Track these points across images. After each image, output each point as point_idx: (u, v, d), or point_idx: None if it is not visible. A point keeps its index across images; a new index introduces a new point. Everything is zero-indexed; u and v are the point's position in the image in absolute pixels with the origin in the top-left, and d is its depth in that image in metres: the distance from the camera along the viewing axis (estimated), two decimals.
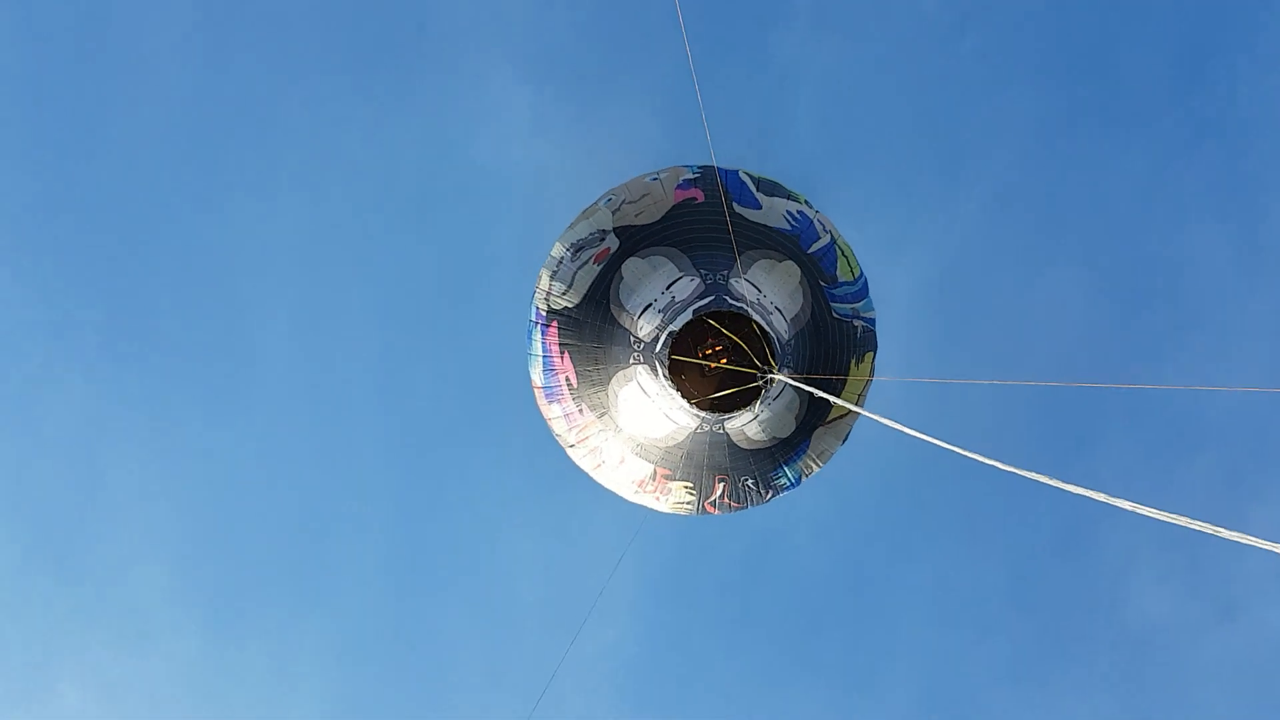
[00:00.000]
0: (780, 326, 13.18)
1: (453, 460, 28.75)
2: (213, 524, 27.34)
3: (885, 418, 10.57)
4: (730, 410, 13.21)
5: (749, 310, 12.75)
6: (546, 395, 14.43)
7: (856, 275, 14.29)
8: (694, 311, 12.77)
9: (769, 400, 13.26)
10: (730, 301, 12.85)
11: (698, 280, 13.16)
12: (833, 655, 29.07)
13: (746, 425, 13.61)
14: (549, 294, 14.03)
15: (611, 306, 13.51)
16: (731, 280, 13.19)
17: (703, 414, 12.99)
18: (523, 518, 29.51)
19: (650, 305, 13.19)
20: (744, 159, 13.99)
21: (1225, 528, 7.17)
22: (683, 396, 12.79)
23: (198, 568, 27.55)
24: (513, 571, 29.45)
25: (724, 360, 13.54)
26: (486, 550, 29.34)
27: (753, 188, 13.94)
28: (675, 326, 12.76)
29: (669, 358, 12.76)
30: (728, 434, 13.68)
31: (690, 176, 13.91)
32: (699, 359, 13.60)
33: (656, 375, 12.90)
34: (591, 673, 29.13)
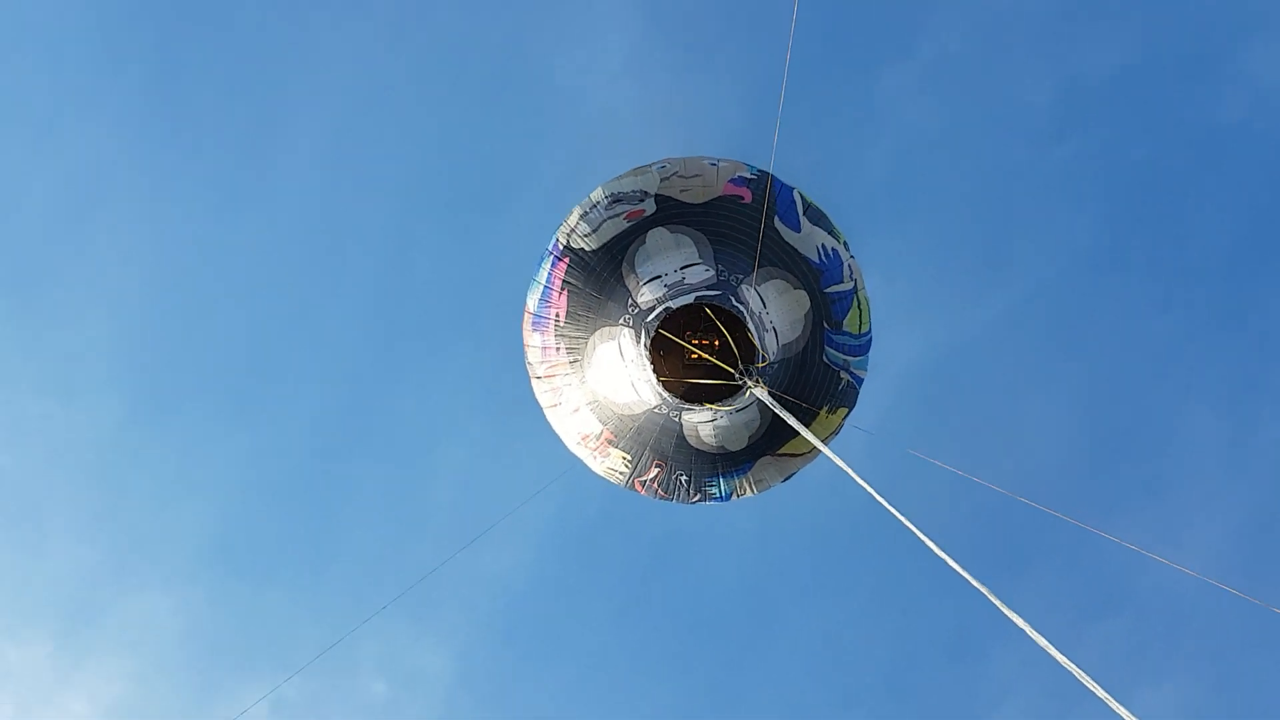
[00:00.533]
0: (771, 346, 13.30)
1: (429, 347, 28.99)
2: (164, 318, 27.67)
3: (843, 463, 10.80)
4: (693, 402, 13.35)
5: (748, 318, 12.88)
6: (533, 323, 14.58)
7: (862, 331, 14.38)
8: (697, 297, 12.89)
9: (733, 409, 13.41)
10: (734, 303, 12.97)
11: (712, 272, 13.27)
12: (699, 668, 29.43)
13: (702, 425, 13.77)
14: (573, 231, 14.13)
15: (624, 265, 13.63)
16: (743, 286, 13.30)
17: (666, 395, 13.13)
18: (467, 423, 29.81)
19: (659, 277, 13.31)
20: (803, 177, 14.05)
21: (1114, 697, 7.36)
22: (654, 372, 12.93)
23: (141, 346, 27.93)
24: (438, 467, 29.80)
25: (707, 352, 13.67)
26: (423, 438, 29.65)
27: (800, 209, 14.00)
28: (674, 304, 12.89)
29: (656, 330, 12.89)
30: (682, 425, 13.85)
31: (746, 175, 13.96)
32: (685, 343, 13.71)
33: (638, 343, 13.04)
34: (468, 590, 29.51)
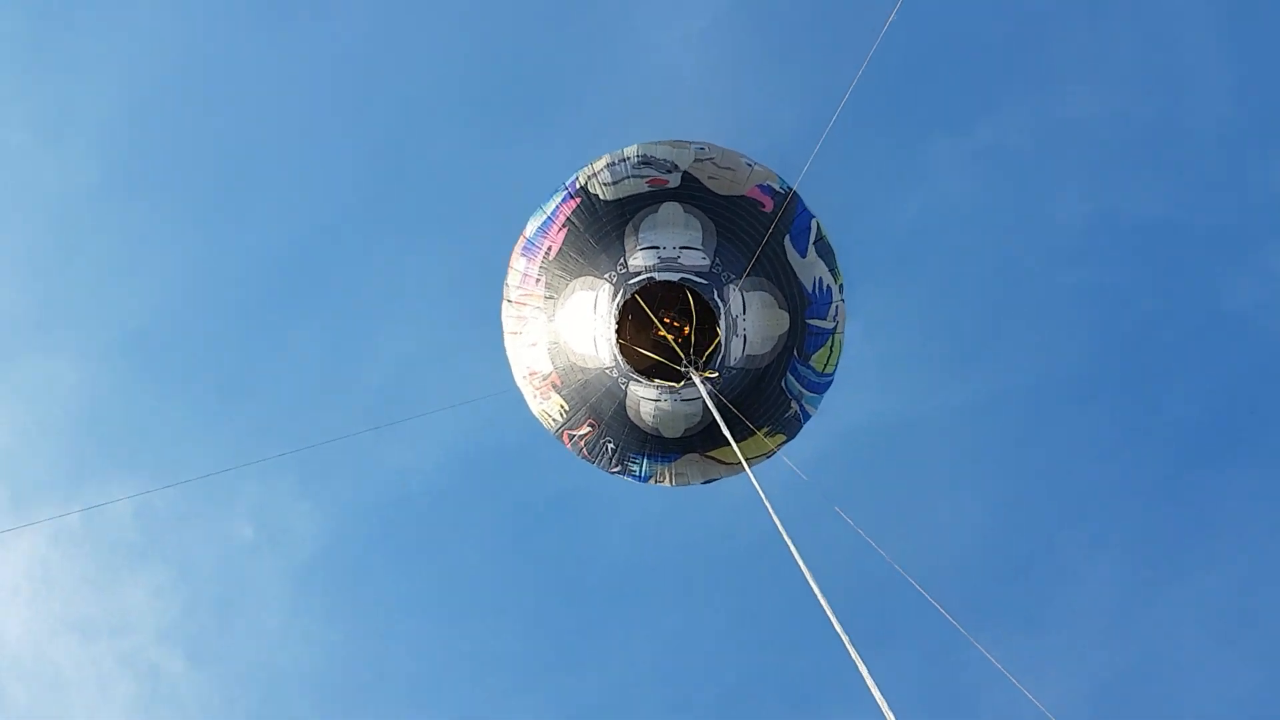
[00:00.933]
0: (735, 350, 13.45)
1: (416, 234, 28.89)
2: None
3: (756, 482, 10.98)
4: (642, 375, 13.49)
5: (721, 315, 13.01)
6: (525, 247, 14.60)
7: (826, 371, 14.57)
8: (683, 278, 13.00)
9: (677, 395, 13.55)
10: (715, 297, 13.09)
11: (708, 262, 13.37)
12: (548, 624, 29.72)
13: (645, 401, 13.89)
14: (594, 175, 14.14)
15: (629, 224, 13.69)
16: (731, 285, 13.41)
17: (619, 359, 13.25)
18: (425, 317, 29.78)
19: (656, 248, 13.39)
20: (825, 207, 14.18)
21: None
22: (616, 333, 13.04)
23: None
24: (381, 349, 29.78)
25: (672, 334, 13.79)
26: (377, 316, 29.57)
27: (811, 237, 14.13)
28: (659, 276, 12.99)
29: (633, 295, 12.99)
30: (626, 395, 13.96)
31: (775, 187, 14.06)
32: (655, 317, 13.81)
33: (612, 300, 13.13)
34: (364, 472, 29.61)
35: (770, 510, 10.58)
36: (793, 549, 9.81)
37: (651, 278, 13.05)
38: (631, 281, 13.13)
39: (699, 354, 13.40)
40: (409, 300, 29.73)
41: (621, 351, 13.31)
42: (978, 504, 28.84)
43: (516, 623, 29.61)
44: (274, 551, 29.60)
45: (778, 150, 14.01)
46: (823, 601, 9.07)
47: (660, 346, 13.91)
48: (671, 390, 13.55)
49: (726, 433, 11.97)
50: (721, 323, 13.09)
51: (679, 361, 13.19)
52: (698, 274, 13.19)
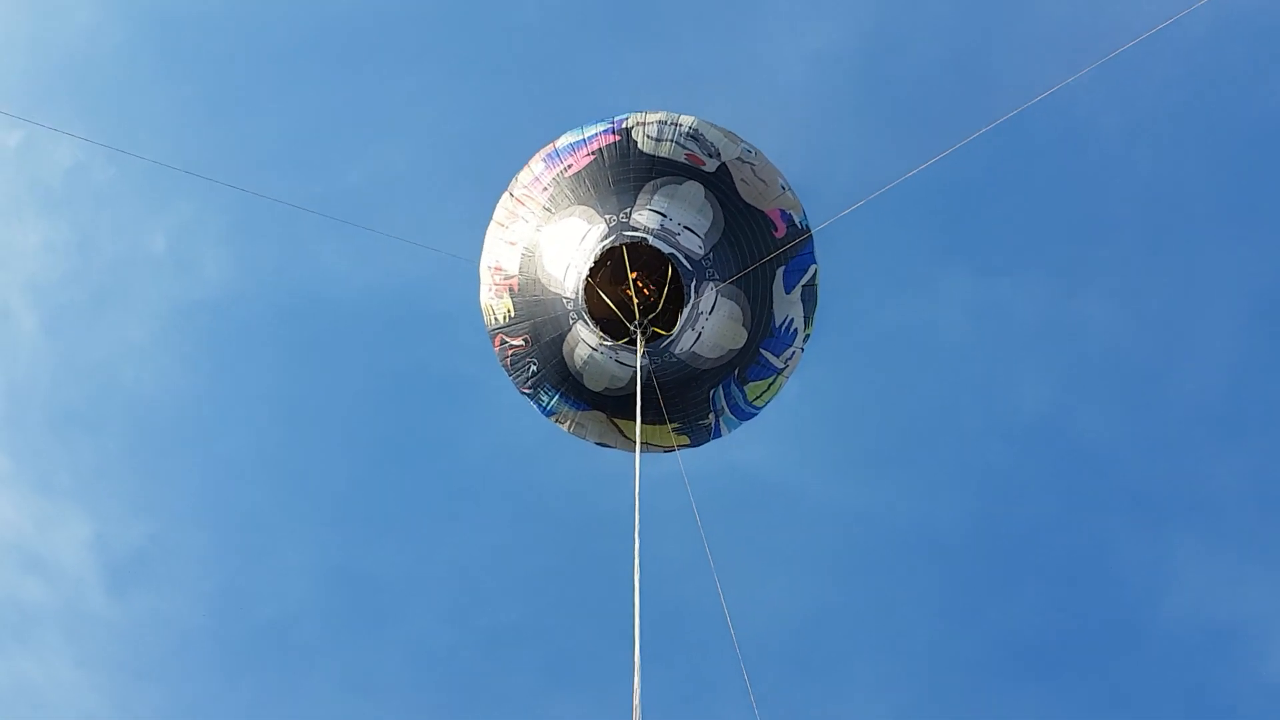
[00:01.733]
0: (686, 342, 13.74)
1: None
2: None
3: (639, 470, 11.25)
4: (593, 319, 13.66)
5: (688, 305, 13.29)
6: (548, 155, 14.65)
7: (754, 402, 14.90)
8: (670, 254, 13.25)
9: (615, 354, 13.77)
10: (692, 285, 13.38)
11: (702, 252, 13.59)
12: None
13: (582, 345, 14.09)
14: (643, 125, 14.23)
15: (650, 183, 13.82)
16: (710, 283, 13.66)
17: (581, 295, 13.39)
18: (414, 189, 29.78)
19: (663, 215, 13.55)
20: (830, 270, 14.62)
21: None
22: (590, 271, 13.26)
23: None
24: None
25: (639, 297, 14.02)
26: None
27: (803, 280, 14.42)
28: (652, 241, 13.26)
29: (620, 246, 13.20)
30: (569, 331, 14.14)
31: (795, 219, 14.30)
32: (631, 274, 13.99)
33: (600, 241, 13.34)
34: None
35: (637, 503, 10.86)
36: (636, 546, 10.07)
37: (645, 239, 13.22)
38: (626, 233, 13.30)
39: (653, 325, 13.64)
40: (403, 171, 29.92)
41: (585, 290, 13.46)
42: (817, 593, 29.68)
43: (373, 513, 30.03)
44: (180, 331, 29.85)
45: (809, 189, 14.32)
46: (636, 597, 8.96)
47: (622, 303, 14.11)
48: (611, 348, 13.75)
49: (638, 410, 12.27)
50: (685, 311, 13.32)
51: (630, 319, 13.39)
52: (687, 257, 13.40)
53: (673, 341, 13.63)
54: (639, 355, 12.82)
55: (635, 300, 13.74)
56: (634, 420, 14.80)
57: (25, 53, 28.58)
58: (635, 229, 13.44)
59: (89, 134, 25.12)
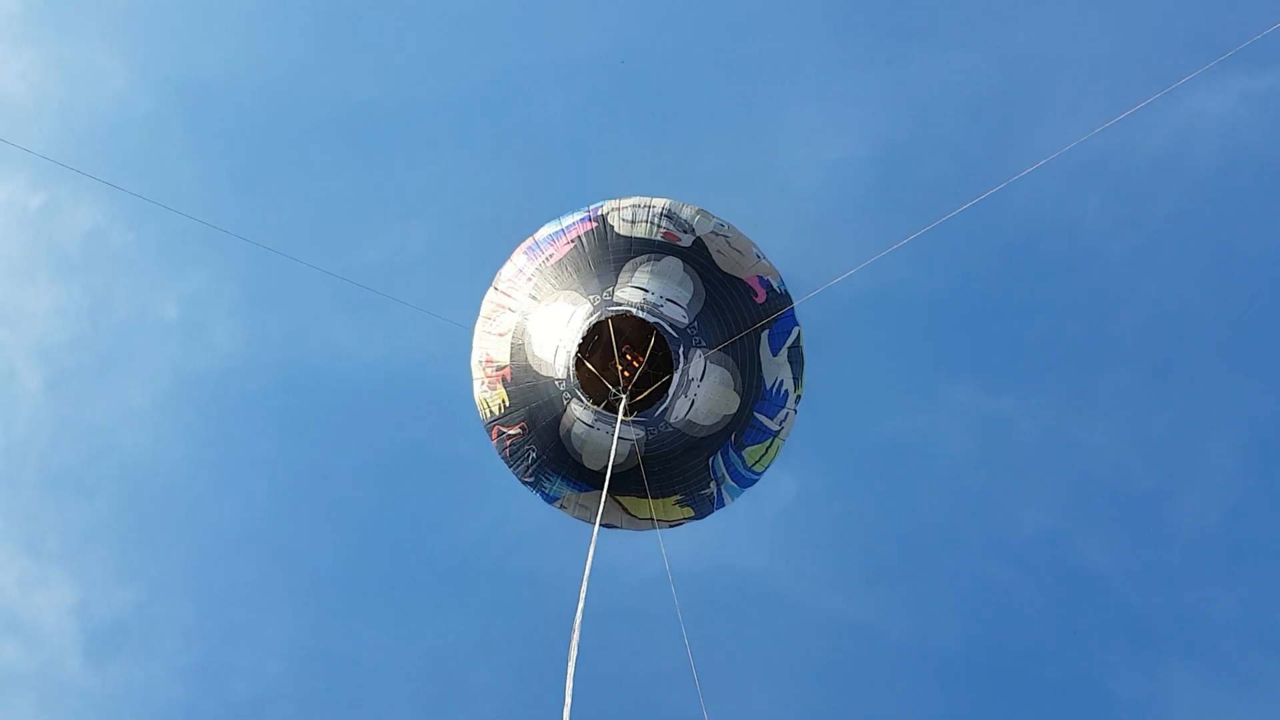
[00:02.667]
0: (680, 410, 13.96)
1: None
2: None
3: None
4: (587, 395, 13.89)
5: (677, 371, 13.56)
6: (529, 248, 15.16)
7: (754, 467, 15.01)
8: (656, 322, 13.60)
9: (610, 430, 13.96)
10: (680, 352, 13.65)
11: (686, 321, 13.95)
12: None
13: (579, 424, 14.28)
14: (617, 209, 14.84)
15: (629, 262, 14.29)
16: (697, 350, 13.97)
17: (572, 371, 13.65)
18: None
19: (645, 291, 13.99)
20: (833, 378, 15.09)
21: None
22: (579, 348, 13.57)
23: None
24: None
25: (626, 369, 14.28)
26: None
27: (788, 343, 14.76)
28: (636, 313, 13.59)
29: (606, 319, 13.54)
30: (564, 412, 14.34)
31: (774, 285, 14.75)
32: (617, 348, 14.29)
33: (586, 319, 13.67)
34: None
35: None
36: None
37: (630, 312, 13.58)
38: (611, 308, 13.67)
39: (640, 393, 13.89)
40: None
41: (576, 367, 13.75)
42: (808, 703, 29.27)
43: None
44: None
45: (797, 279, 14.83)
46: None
47: (612, 378, 14.38)
48: (608, 421, 13.93)
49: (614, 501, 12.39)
50: (676, 376, 13.58)
51: (616, 385, 13.65)
52: (672, 326, 13.76)
53: (667, 410, 13.84)
54: (618, 419, 13.03)
55: (621, 368, 14.02)
56: (635, 498, 14.91)
57: (56, 118, 29.40)
58: (620, 304, 13.82)
59: (111, 199, 25.79)
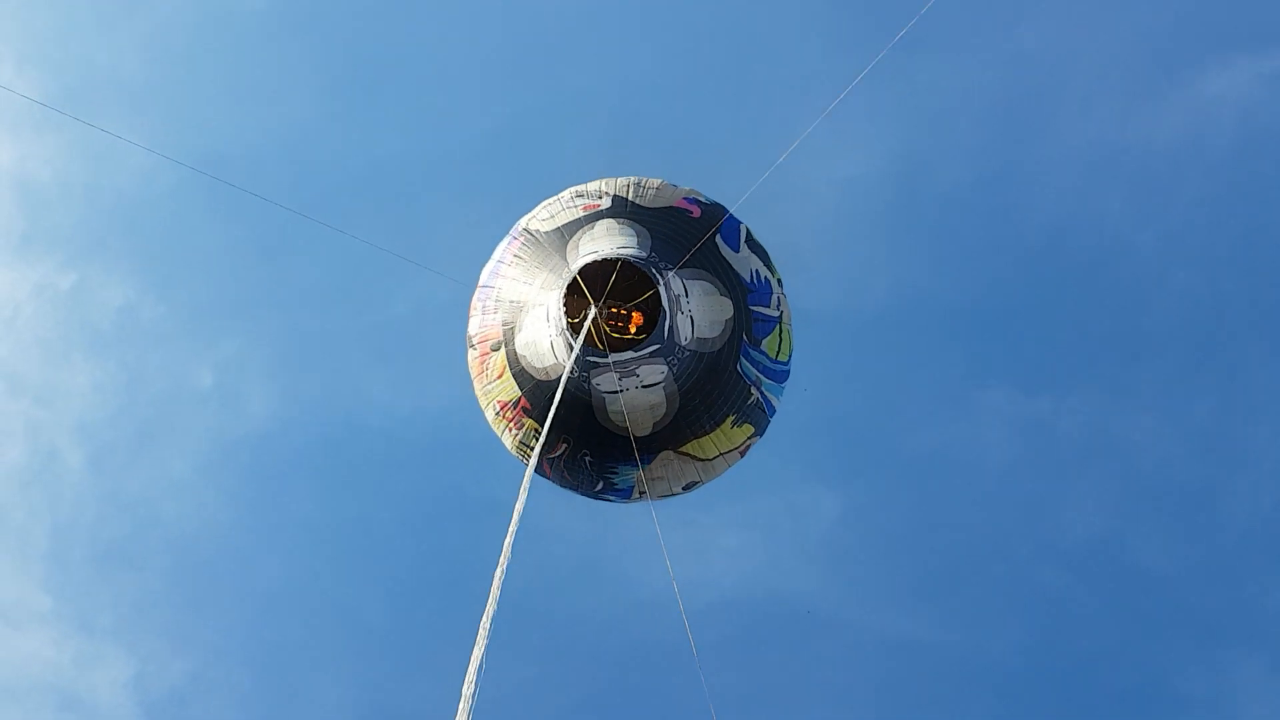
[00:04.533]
0: (685, 331, 14.18)
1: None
2: None
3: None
4: (596, 353, 14.04)
5: (662, 287, 13.82)
6: (480, 295, 15.63)
7: (779, 357, 15.26)
8: (618, 256, 13.94)
9: (638, 379, 14.11)
10: (653, 272, 13.97)
11: (645, 254, 14.35)
12: None
13: (609, 398, 14.44)
14: (533, 217, 15.42)
15: (569, 243, 14.78)
16: (668, 272, 14.34)
17: (570, 343, 13.83)
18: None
19: (595, 253, 14.42)
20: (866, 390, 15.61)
21: None
22: (565, 311, 13.80)
23: None
24: None
25: (612, 308, 14.57)
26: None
27: (742, 237, 15.24)
28: (598, 257, 13.92)
29: (574, 276, 13.86)
30: (591, 396, 14.48)
31: (701, 200, 15.32)
32: (592, 296, 14.57)
33: (559, 294, 13.97)
34: None
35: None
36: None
37: (590, 260, 13.97)
38: (573, 266, 14.06)
39: (641, 330, 14.24)
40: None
41: (573, 331, 13.90)
42: None
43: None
44: None
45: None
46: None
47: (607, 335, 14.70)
48: (631, 372, 14.04)
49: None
50: (663, 293, 13.89)
51: (591, 304, 13.94)
52: (635, 258, 14.16)
53: (673, 329, 14.05)
54: (591, 313, 13.48)
55: (609, 309, 14.39)
56: (698, 439, 15.02)
57: (80, 200, 29.99)
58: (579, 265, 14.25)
59: (140, 274, 26.06)
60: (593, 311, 13.66)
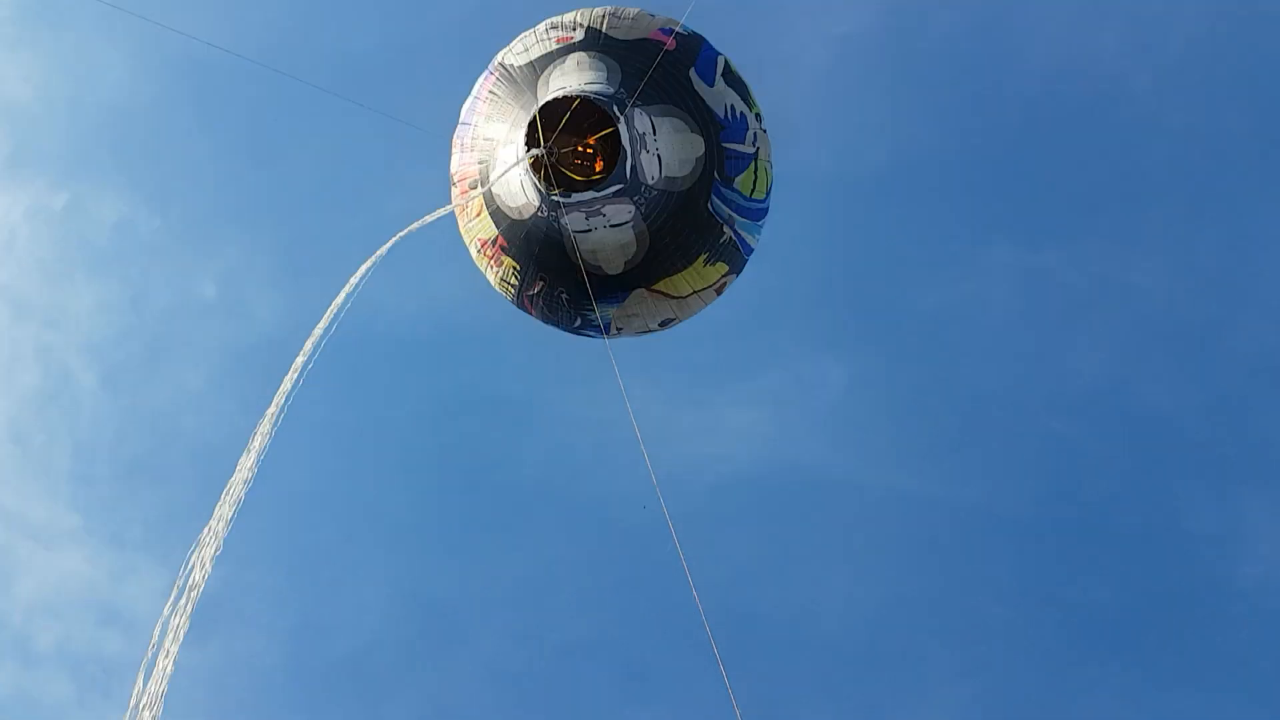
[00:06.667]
0: (651, 169, 14.18)
1: None
2: None
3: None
4: (564, 187, 14.19)
5: (622, 124, 13.77)
6: (459, 131, 15.69)
7: (754, 194, 15.22)
8: (580, 94, 13.86)
9: (606, 219, 14.30)
10: (615, 110, 13.89)
11: (612, 90, 14.21)
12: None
13: (580, 236, 14.69)
14: (508, 51, 15.20)
15: (540, 78, 14.64)
16: (638, 108, 14.21)
17: (539, 184, 14.01)
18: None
19: (563, 89, 14.30)
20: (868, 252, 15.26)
21: None
22: (527, 141, 13.91)
23: None
24: None
25: (579, 147, 14.64)
26: None
27: (718, 70, 14.92)
28: (562, 94, 13.87)
29: (535, 111, 13.87)
30: (562, 234, 14.74)
31: (679, 31, 14.91)
32: (569, 146, 14.62)
33: (523, 125, 14.01)
34: None
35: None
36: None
37: (559, 96, 13.91)
38: (538, 104, 14.04)
39: (605, 167, 14.26)
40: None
41: (536, 168, 14.02)
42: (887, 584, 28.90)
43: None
44: None
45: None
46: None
47: (573, 168, 14.80)
48: (597, 211, 14.21)
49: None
50: (623, 131, 13.85)
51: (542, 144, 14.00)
52: (598, 95, 14.05)
53: (635, 168, 14.04)
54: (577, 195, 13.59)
55: (573, 147, 14.43)
56: (670, 277, 15.32)
57: (63, 116, 30.51)
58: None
59: (133, 189, 26.80)
60: (536, 152, 13.62)
